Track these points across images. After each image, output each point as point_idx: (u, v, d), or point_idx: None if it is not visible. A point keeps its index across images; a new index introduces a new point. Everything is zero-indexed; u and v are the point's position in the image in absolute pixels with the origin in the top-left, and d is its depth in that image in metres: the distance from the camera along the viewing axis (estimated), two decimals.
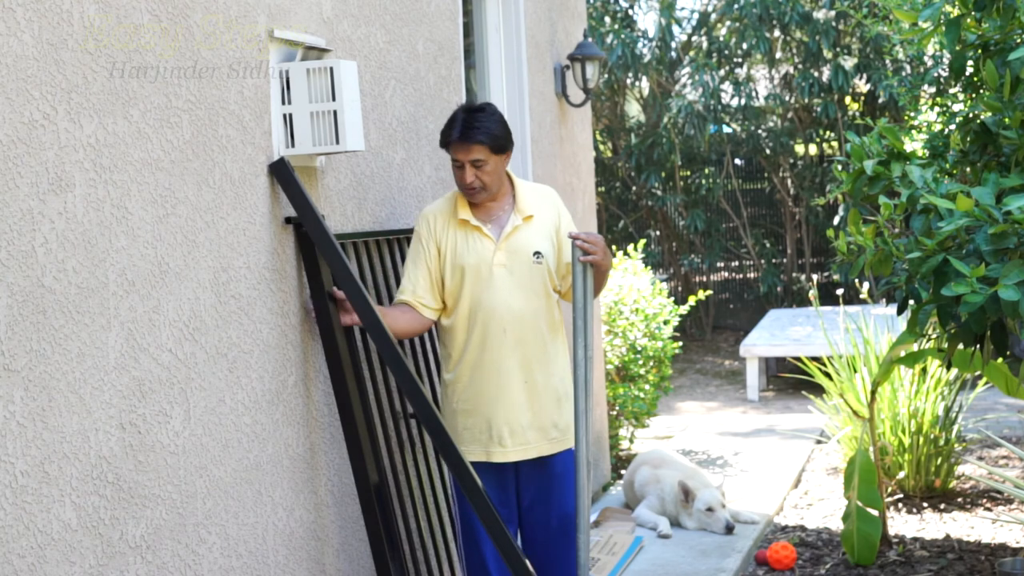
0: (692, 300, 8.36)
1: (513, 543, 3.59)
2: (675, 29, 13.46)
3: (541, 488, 3.90)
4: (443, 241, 3.85)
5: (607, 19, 13.32)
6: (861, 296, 7.90)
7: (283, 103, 3.62)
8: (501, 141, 3.81)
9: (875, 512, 5.36)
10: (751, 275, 14.16)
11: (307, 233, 3.62)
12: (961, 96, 5.33)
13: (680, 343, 7.90)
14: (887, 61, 11.81)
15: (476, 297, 3.81)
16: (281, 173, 3.55)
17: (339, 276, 3.62)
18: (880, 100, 12.03)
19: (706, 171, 13.75)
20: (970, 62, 4.02)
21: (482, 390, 3.83)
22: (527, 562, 3.63)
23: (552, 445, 3.89)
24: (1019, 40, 3.81)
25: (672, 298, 8.46)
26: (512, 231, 3.85)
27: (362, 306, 3.62)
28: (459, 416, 3.87)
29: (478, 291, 3.81)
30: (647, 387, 7.39)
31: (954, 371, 6.24)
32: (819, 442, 7.84)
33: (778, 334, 10.30)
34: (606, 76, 12.79)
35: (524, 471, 3.90)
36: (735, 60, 13.22)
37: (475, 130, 3.76)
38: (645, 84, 13.94)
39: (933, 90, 7.03)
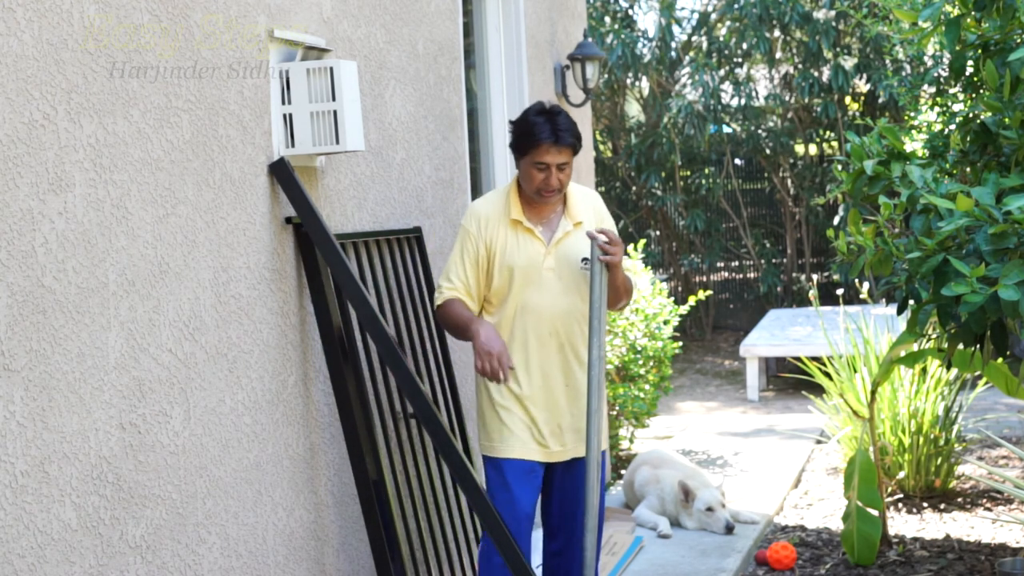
0: (692, 300, 8.36)
1: (514, 544, 3.59)
2: (675, 29, 13.46)
3: (572, 487, 3.91)
4: (493, 240, 3.83)
5: (607, 19, 13.32)
6: (861, 296, 7.90)
7: (283, 103, 3.62)
8: (581, 139, 3.85)
9: (875, 512, 5.36)
10: (751, 275, 14.15)
11: (307, 233, 3.62)
12: (961, 96, 5.33)
13: (680, 343, 7.90)
14: (887, 61, 11.81)
15: (524, 298, 3.80)
16: (281, 173, 3.55)
17: (339, 276, 3.62)
18: (880, 100, 12.03)
19: (706, 171, 13.75)
20: (970, 62, 4.02)
21: (526, 391, 3.82)
22: (528, 565, 3.63)
23: (584, 447, 3.89)
24: (1019, 40, 3.81)
25: (672, 298, 8.45)
26: (563, 237, 3.85)
27: (362, 306, 3.62)
28: (501, 413, 3.84)
29: (526, 293, 3.80)
30: (647, 387, 7.39)
31: (954, 371, 6.23)
32: (819, 442, 7.84)
33: (778, 334, 10.30)
34: (606, 76, 12.79)
35: (557, 471, 3.91)
36: (735, 60, 13.22)
37: (566, 132, 3.75)
38: (645, 84, 13.94)
39: (933, 90, 7.02)
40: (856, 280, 8.99)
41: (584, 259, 3.84)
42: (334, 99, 3.60)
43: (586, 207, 3.94)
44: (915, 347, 5.48)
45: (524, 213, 3.85)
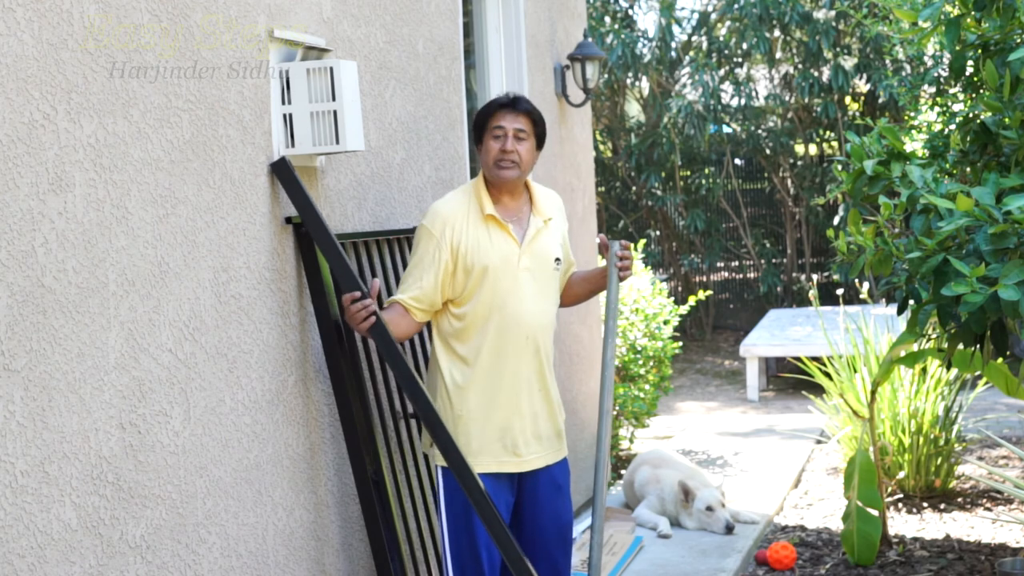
0: (692, 300, 8.37)
1: (516, 547, 3.58)
2: (675, 29, 13.47)
3: (542, 497, 3.80)
4: (462, 240, 3.64)
5: (607, 19, 13.33)
6: (861, 296, 7.90)
7: (283, 103, 3.62)
8: (543, 126, 3.79)
9: (875, 512, 5.36)
10: (751, 275, 14.16)
11: (307, 233, 3.62)
12: (961, 96, 5.33)
13: (680, 343, 7.91)
14: (887, 61, 11.81)
15: (500, 301, 3.66)
16: (282, 173, 3.55)
17: (339, 276, 3.62)
18: (880, 100, 12.04)
19: (706, 171, 13.77)
20: (970, 62, 4.02)
21: (497, 398, 3.68)
22: (530, 566, 3.61)
23: (555, 455, 3.83)
24: (1019, 40, 3.82)
25: (672, 298, 8.47)
26: (536, 234, 3.74)
27: None
28: (468, 423, 3.69)
29: (502, 295, 3.66)
30: (647, 387, 7.40)
31: (954, 371, 6.24)
32: (819, 442, 7.85)
33: (778, 334, 10.31)
34: (606, 76, 12.80)
35: (527, 480, 3.80)
36: (735, 60, 13.23)
37: (524, 101, 3.76)
38: (645, 84, 13.95)
39: (933, 90, 7.02)
40: (856, 280, 9.00)
41: (556, 259, 3.80)
42: (334, 99, 3.60)
43: (552, 206, 3.86)
44: (915, 347, 5.48)
45: (496, 208, 3.72)
